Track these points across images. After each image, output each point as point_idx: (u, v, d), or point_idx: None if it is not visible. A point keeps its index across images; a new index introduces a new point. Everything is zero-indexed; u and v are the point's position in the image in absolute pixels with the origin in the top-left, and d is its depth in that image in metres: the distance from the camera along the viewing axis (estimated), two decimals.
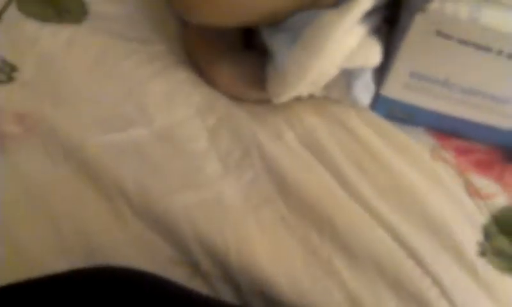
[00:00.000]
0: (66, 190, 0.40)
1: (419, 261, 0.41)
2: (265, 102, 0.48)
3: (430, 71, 0.42)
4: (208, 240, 0.40)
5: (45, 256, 0.38)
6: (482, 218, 0.44)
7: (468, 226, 0.44)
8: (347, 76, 0.45)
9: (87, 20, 0.50)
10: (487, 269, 0.42)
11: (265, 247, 0.41)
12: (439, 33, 0.38)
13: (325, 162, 0.45)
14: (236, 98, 0.48)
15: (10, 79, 0.44)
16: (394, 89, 0.45)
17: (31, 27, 0.47)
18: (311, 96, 0.48)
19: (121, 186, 0.40)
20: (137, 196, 0.40)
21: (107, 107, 0.44)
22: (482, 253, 0.43)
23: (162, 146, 0.43)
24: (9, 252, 0.38)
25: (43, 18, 0.48)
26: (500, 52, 0.38)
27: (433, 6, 0.37)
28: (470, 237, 0.43)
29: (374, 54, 0.43)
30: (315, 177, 0.45)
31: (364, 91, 0.46)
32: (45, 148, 0.41)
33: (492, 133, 0.46)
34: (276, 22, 0.44)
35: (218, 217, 0.41)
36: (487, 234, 0.44)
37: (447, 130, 0.48)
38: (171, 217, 0.40)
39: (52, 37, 0.47)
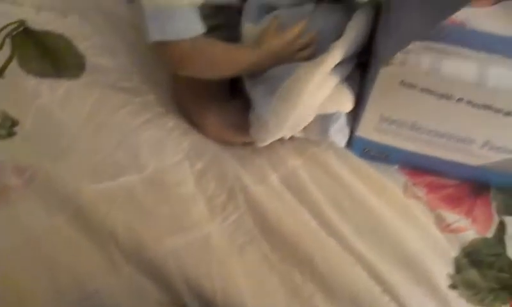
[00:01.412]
0: (61, 238, 0.43)
1: (394, 296, 0.44)
2: (251, 144, 0.51)
3: (398, 116, 0.45)
4: (195, 283, 0.43)
5: (42, 300, 0.41)
6: (453, 251, 0.47)
7: (439, 260, 0.47)
8: (323, 120, 0.49)
9: (84, 74, 0.53)
10: (458, 302, 0.45)
11: (250, 286, 0.44)
12: (403, 83, 0.42)
13: (306, 203, 0.49)
14: (223, 143, 0.52)
15: (10, 134, 0.47)
16: (367, 131, 0.49)
17: (31, 82, 0.51)
18: (292, 137, 0.51)
19: (113, 232, 0.43)
20: (128, 242, 0.43)
21: (101, 156, 0.47)
22: (454, 286, 0.45)
23: (152, 191, 0.46)
24: (10, 297, 0.41)
25: (43, 74, 0.52)
26: (460, 100, 0.41)
27: (396, 59, 0.41)
28: (442, 270, 0.46)
29: (346, 101, 0.47)
30: (297, 217, 0.48)
31: (339, 133, 0.49)
32: (43, 199, 0.44)
33: (461, 169, 0.50)
34: (256, 73, 0.48)
35: (205, 259, 0.44)
36: (458, 267, 0.47)
37: (419, 168, 0.51)
38: (160, 261, 0.43)
39: (50, 92, 0.50)
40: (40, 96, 0.50)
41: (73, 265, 0.43)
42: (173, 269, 0.43)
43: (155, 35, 0.43)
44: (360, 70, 0.51)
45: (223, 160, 0.51)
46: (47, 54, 0.54)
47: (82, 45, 0.55)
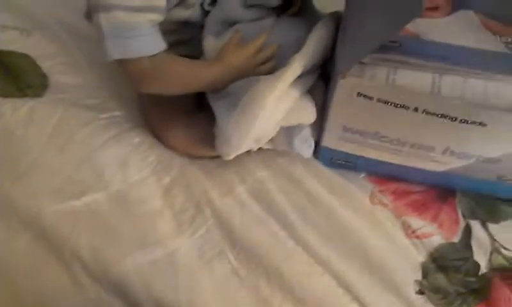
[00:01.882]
0: (25, 260, 0.43)
1: (362, 304, 0.45)
2: (219, 157, 0.51)
3: (359, 126, 0.46)
4: (161, 299, 0.42)
5: None
6: (420, 257, 0.48)
7: (407, 266, 0.47)
8: (287, 132, 0.49)
9: (47, 93, 0.53)
10: (426, 306, 0.45)
11: (218, 300, 0.44)
12: (360, 94, 0.42)
13: (273, 213, 0.49)
14: (190, 157, 0.52)
15: None
16: (332, 141, 0.49)
17: None
18: (260, 149, 0.52)
19: (76, 252, 0.43)
20: (93, 261, 0.43)
21: (65, 176, 0.47)
22: (421, 291, 0.46)
23: (117, 209, 0.46)
24: None
25: (5, 94, 0.51)
26: (416, 109, 0.42)
27: (352, 72, 0.42)
28: (409, 276, 0.46)
29: (308, 113, 0.47)
30: (265, 228, 0.48)
31: (304, 144, 0.49)
32: (4, 221, 0.43)
33: (426, 176, 0.50)
34: (219, 89, 0.48)
35: (171, 275, 0.44)
36: (425, 272, 0.47)
37: (385, 175, 0.52)
38: (125, 279, 0.42)
39: (12, 112, 0.50)
40: (2, 116, 0.49)
41: (38, 287, 0.42)
42: (138, 286, 0.42)
43: (114, 54, 0.43)
44: (325, 81, 0.51)
45: (190, 173, 0.51)
46: (10, 74, 0.53)
47: (46, 64, 0.55)
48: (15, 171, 0.46)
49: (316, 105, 0.49)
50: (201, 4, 0.49)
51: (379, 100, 0.42)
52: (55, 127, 0.50)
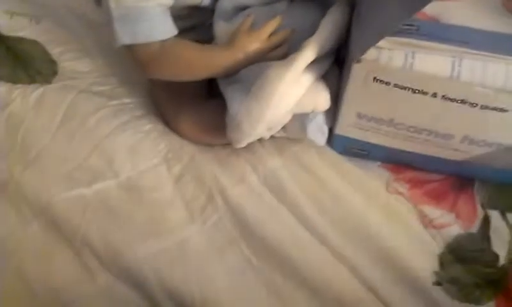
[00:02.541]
0: (36, 248, 0.43)
1: (378, 295, 0.44)
2: (230, 145, 0.50)
3: (375, 113, 0.45)
4: (172, 288, 0.42)
5: None
6: (437, 248, 0.46)
7: (423, 257, 0.46)
8: (300, 119, 0.48)
9: (56, 79, 0.53)
10: (443, 298, 0.44)
11: (230, 289, 0.43)
12: (376, 80, 0.41)
13: (287, 203, 0.48)
14: (201, 144, 0.51)
15: None
16: (346, 128, 0.48)
17: (2, 89, 0.50)
18: (273, 137, 0.51)
19: (87, 240, 0.43)
20: (104, 249, 0.43)
21: (75, 163, 0.46)
22: (438, 282, 0.45)
23: (128, 197, 0.46)
24: None
25: (14, 80, 0.51)
26: (435, 94, 0.41)
27: (368, 56, 0.40)
28: (426, 267, 0.45)
29: (322, 100, 0.46)
30: (277, 218, 0.47)
31: (318, 132, 0.48)
32: (16, 209, 0.43)
33: (443, 164, 0.49)
34: (230, 74, 0.47)
35: (182, 263, 0.43)
36: (442, 263, 0.46)
37: (401, 163, 0.50)
38: (136, 268, 0.42)
39: (22, 98, 0.50)
40: (12, 103, 0.49)
41: (49, 275, 0.42)
42: (149, 275, 0.42)
43: (124, 38, 0.43)
44: (339, 66, 0.50)
45: (201, 162, 0.50)
46: (20, 60, 0.53)
47: (55, 50, 0.55)
48: (25, 158, 0.46)
49: (330, 91, 0.48)
50: None
51: (396, 86, 0.41)
52: (65, 114, 0.50)
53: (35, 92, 0.50)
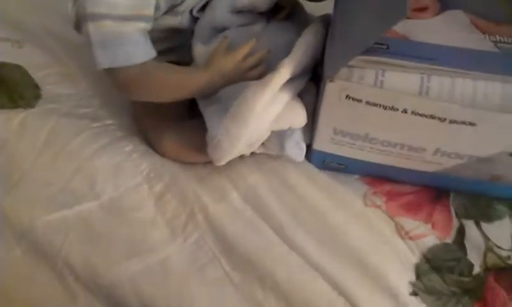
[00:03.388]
0: (18, 270, 0.43)
1: (356, 306, 0.44)
2: (211, 163, 0.51)
3: (350, 129, 0.46)
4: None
5: None
6: (414, 258, 0.47)
7: (401, 268, 0.47)
8: (278, 136, 0.49)
9: (40, 103, 0.53)
10: None
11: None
12: (349, 97, 0.42)
13: (266, 218, 0.49)
14: (183, 163, 0.52)
15: None
16: (323, 143, 0.49)
17: None
18: (253, 153, 0.52)
19: (69, 261, 0.43)
20: (85, 270, 0.43)
21: (57, 186, 0.47)
22: (415, 292, 0.46)
23: (110, 217, 0.46)
24: None
25: None
26: (405, 110, 0.42)
27: (341, 75, 0.42)
28: (403, 278, 0.46)
29: (298, 117, 0.47)
30: (257, 233, 0.48)
31: (296, 148, 0.49)
32: (0, 235, 0.44)
33: (419, 176, 0.50)
34: (209, 95, 0.48)
35: (163, 282, 0.44)
36: (419, 273, 0.47)
37: (378, 176, 0.52)
38: (117, 288, 0.43)
39: (5, 123, 0.50)
40: None
41: (31, 297, 0.43)
42: (130, 294, 0.43)
43: (103, 63, 0.44)
44: (316, 83, 0.51)
45: (182, 180, 0.51)
46: (3, 85, 0.54)
47: (38, 74, 0.55)
48: (8, 182, 0.46)
49: (307, 107, 0.49)
50: (191, 11, 0.49)
51: (367, 103, 0.42)
52: (47, 137, 0.50)
53: (18, 117, 0.51)
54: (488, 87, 0.41)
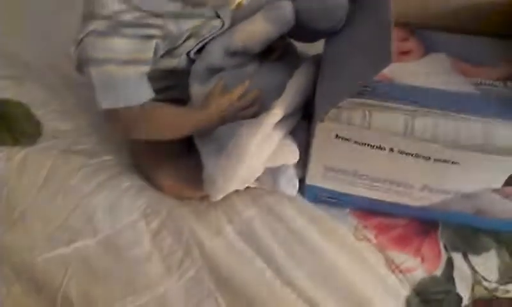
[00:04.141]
0: None
1: None
2: (207, 198, 0.53)
3: (340, 166, 0.48)
4: None
5: None
6: (404, 291, 0.49)
7: (391, 301, 0.48)
8: (272, 172, 0.51)
9: (40, 140, 0.55)
10: None
11: None
12: (338, 137, 0.44)
13: (261, 253, 0.50)
14: (180, 198, 0.54)
15: None
16: (315, 178, 0.51)
17: None
18: (248, 188, 0.53)
19: (67, 298, 0.44)
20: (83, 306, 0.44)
21: (56, 223, 0.48)
22: None
23: (107, 255, 0.47)
24: None
25: (0, 143, 0.53)
26: (391, 149, 0.44)
27: (330, 116, 0.44)
28: None
29: (291, 154, 0.49)
30: (252, 268, 0.49)
31: (289, 184, 0.51)
32: (1, 271, 0.45)
33: (408, 210, 0.52)
34: (205, 133, 0.50)
35: None
36: (409, 306, 0.48)
37: (368, 210, 0.53)
38: None
39: (6, 161, 0.52)
40: None
41: None
42: None
43: (105, 103, 0.45)
44: (309, 120, 0.53)
45: (179, 215, 0.52)
46: (4, 122, 0.55)
47: (39, 111, 0.57)
48: (8, 220, 0.48)
49: (300, 144, 0.51)
50: (188, 53, 0.51)
51: (356, 142, 0.44)
52: (47, 175, 0.52)
53: (19, 154, 0.52)
54: (470, 128, 0.43)
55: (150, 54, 0.46)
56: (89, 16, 0.45)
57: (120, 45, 0.45)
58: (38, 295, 0.44)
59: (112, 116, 0.47)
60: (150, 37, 0.46)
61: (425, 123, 0.43)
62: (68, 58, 0.48)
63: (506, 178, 0.44)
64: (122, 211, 0.50)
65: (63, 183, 0.51)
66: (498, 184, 0.45)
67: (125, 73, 0.45)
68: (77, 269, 0.46)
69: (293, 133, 0.51)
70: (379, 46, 0.40)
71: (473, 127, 0.43)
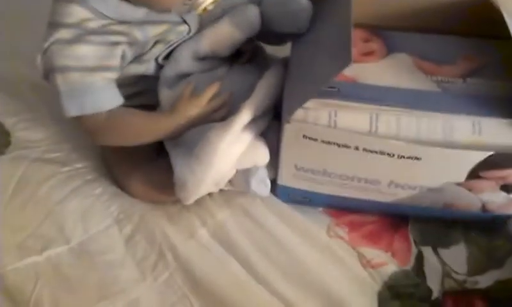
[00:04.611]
0: None
1: None
2: (179, 201, 0.53)
3: (309, 165, 0.49)
4: None
5: None
6: (376, 286, 0.50)
7: (364, 296, 0.49)
8: (244, 174, 0.51)
9: (10, 150, 0.55)
10: None
11: None
12: (305, 136, 0.45)
13: (234, 254, 0.50)
14: (152, 203, 0.54)
15: None
16: (287, 178, 0.52)
17: None
18: (221, 190, 0.54)
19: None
20: None
21: (27, 232, 0.48)
22: None
23: (80, 261, 0.47)
24: None
25: None
26: (357, 147, 0.45)
27: (297, 117, 0.45)
28: (366, 306, 0.48)
29: (261, 155, 0.50)
30: (226, 269, 0.49)
31: (261, 184, 0.51)
32: None
33: (378, 206, 0.53)
34: (174, 137, 0.50)
35: None
36: (381, 301, 0.49)
37: (340, 207, 0.54)
38: None
39: None
40: None
41: None
42: None
43: (71, 111, 0.46)
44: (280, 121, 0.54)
45: (152, 219, 0.52)
46: None
47: (9, 121, 0.57)
48: None
49: (271, 145, 0.52)
50: (156, 59, 0.52)
51: (323, 141, 0.45)
52: (17, 184, 0.51)
53: None
54: (431, 125, 0.44)
55: (117, 61, 0.47)
56: (54, 24, 0.45)
57: (86, 52, 0.45)
58: (9, 305, 0.44)
59: (79, 121, 0.47)
60: (116, 44, 0.46)
61: (389, 121, 0.44)
62: (36, 67, 0.48)
63: (468, 172, 0.46)
64: (94, 218, 0.50)
65: (33, 192, 0.51)
66: (461, 178, 0.46)
67: (92, 80, 0.45)
68: (49, 277, 0.45)
69: (264, 135, 0.52)
70: (340, 46, 0.41)
71: (433, 123, 0.44)
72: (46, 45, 0.45)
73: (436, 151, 0.43)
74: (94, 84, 0.45)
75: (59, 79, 0.45)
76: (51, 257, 0.47)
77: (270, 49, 0.60)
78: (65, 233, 0.48)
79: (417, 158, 0.44)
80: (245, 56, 0.56)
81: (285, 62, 0.54)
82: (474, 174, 0.46)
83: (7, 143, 0.55)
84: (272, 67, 0.53)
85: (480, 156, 0.44)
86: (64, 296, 0.45)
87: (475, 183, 0.47)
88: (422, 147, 0.43)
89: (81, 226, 0.49)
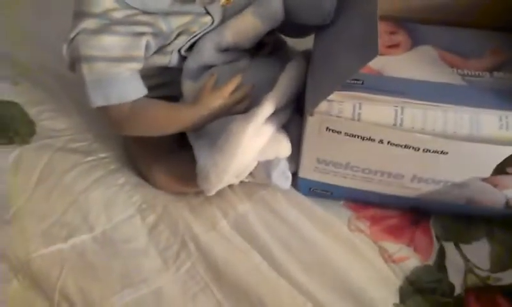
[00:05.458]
0: (16, 303, 0.44)
1: None
2: (202, 193, 0.53)
3: (332, 158, 0.48)
4: None
5: None
6: (398, 281, 0.49)
7: (385, 291, 0.49)
8: (265, 166, 0.51)
9: (34, 139, 0.56)
10: None
11: None
12: (329, 129, 0.45)
13: (255, 246, 0.51)
14: (175, 194, 0.54)
15: None
16: (308, 172, 0.52)
17: None
18: (242, 182, 0.54)
19: (65, 293, 0.45)
20: (81, 301, 0.45)
21: (52, 219, 0.49)
22: None
23: (103, 250, 0.48)
24: None
25: None
26: (381, 141, 0.45)
27: (321, 109, 0.44)
28: (388, 301, 0.48)
29: (283, 148, 0.50)
30: (247, 261, 0.50)
31: (282, 177, 0.52)
32: None
33: (400, 201, 0.52)
34: (197, 129, 0.50)
35: None
36: (402, 295, 0.49)
37: (361, 201, 0.54)
38: None
39: (1, 159, 0.52)
40: None
41: None
42: None
43: (97, 101, 0.46)
44: (301, 114, 0.54)
45: (174, 210, 0.53)
46: None
47: (33, 110, 0.58)
48: (3, 217, 0.48)
49: (292, 138, 0.52)
50: (179, 51, 0.52)
51: (346, 134, 0.45)
52: (42, 173, 0.52)
53: (13, 153, 0.53)
54: (457, 118, 0.44)
55: (141, 52, 0.47)
56: (80, 14, 0.45)
57: (111, 42, 0.45)
58: (36, 290, 0.45)
59: (104, 112, 0.47)
60: (140, 34, 0.46)
61: (414, 114, 0.44)
62: (61, 57, 0.49)
63: (494, 167, 0.45)
64: (118, 207, 0.51)
65: (58, 180, 0.52)
66: (487, 173, 0.46)
67: (117, 71, 0.46)
68: (73, 264, 0.46)
69: (286, 127, 0.52)
70: (366, 39, 0.41)
71: (460, 117, 0.44)
72: (72, 34, 0.45)
73: (463, 145, 0.43)
74: (120, 74, 0.46)
75: (85, 69, 0.45)
76: (76, 245, 0.47)
77: (290, 42, 0.60)
78: (89, 221, 0.49)
79: (443, 153, 0.44)
80: (267, 48, 0.56)
81: (307, 55, 0.54)
82: (500, 169, 0.46)
83: (32, 132, 0.56)
84: (293, 60, 0.53)
85: (508, 151, 0.43)
86: (88, 283, 0.45)
87: (501, 178, 0.47)
88: (449, 141, 0.43)
89: (104, 214, 0.50)
